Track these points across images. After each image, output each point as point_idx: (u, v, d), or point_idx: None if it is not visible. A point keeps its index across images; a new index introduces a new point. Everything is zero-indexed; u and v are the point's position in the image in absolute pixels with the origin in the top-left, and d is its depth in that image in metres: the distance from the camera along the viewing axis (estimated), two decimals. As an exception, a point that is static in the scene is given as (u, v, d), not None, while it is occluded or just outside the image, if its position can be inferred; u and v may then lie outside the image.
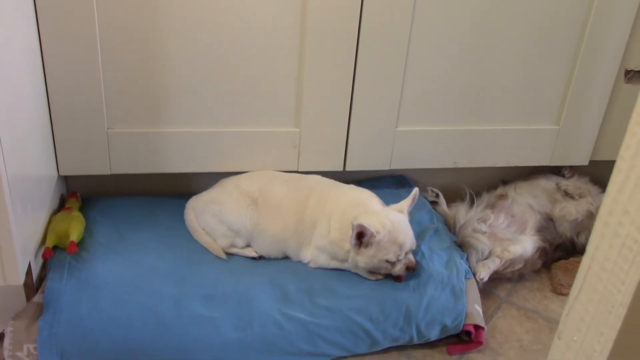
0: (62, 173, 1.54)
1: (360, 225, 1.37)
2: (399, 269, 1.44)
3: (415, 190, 1.52)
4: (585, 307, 0.46)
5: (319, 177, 1.61)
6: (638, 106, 0.43)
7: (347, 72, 1.55)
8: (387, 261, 1.42)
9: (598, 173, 1.96)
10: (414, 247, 1.47)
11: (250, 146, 1.61)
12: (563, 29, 1.62)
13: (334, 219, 1.47)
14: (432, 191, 1.83)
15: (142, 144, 1.55)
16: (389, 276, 1.48)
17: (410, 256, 1.46)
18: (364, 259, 1.42)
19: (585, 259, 0.48)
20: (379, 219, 1.42)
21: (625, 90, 1.76)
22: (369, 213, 1.45)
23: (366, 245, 1.41)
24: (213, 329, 1.35)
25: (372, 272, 1.47)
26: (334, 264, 1.50)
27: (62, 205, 1.59)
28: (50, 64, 1.40)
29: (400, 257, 1.43)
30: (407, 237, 1.44)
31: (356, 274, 1.50)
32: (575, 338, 0.46)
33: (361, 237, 1.39)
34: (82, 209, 1.60)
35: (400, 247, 1.42)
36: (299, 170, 1.66)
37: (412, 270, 1.46)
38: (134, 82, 1.47)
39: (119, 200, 1.66)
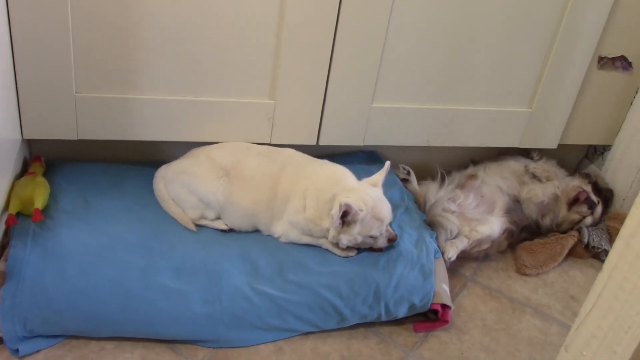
0: (27, 136, 1.48)
1: (347, 205, 1.36)
2: (381, 242, 1.46)
3: (387, 163, 1.52)
4: (598, 324, 0.45)
5: (292, 150, 1.59)
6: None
7: (325, 45, 1.52)
8: (371, 236, 1.42)
9: (565, 156, 2.00)
10: (392, 219, 1.48)
11: (223, 116, 1.57)
12: (541, 13, 1.62)
13: (309, 196, 1.46)
14: (404, 169, 1.83)
15: (111, 109, 1.50)
16: (361, 251, 1.49)
17: (390, 228, 1.47)
18: (347, 237, 1.42)
19: (602, 277, 0.48)
20: (360, 196, 1.41)
21: (597, 76, 1.78)
22: (347, 190, 1.44)
23: (349, 224, 1.40)
24: (181, 302, 1.34)
25: (344, 249, 1.47)
26: (305, 239, 1.50)
27: (25, 169, 1.54)
28: (17, 21, 1.33)
29: (382, 231, 1.44)
30: (387, 210, 1.45)
31: (327, 250, 1.49)
32: (584, 353, 0.46)
33: (345, 216, 1.39)
34: (46, 174, 1.54)
35: (382, 221, 1.43)
36: (272, 142, 1.63)
37: (394, 242, 1.47)
38: (105, 45, 1.41)
39: (85, 166, 1.61)
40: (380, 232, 1.43)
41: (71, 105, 1.46)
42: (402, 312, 1.45)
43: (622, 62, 1.77)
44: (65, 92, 1.44)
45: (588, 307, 0.48)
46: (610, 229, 1.84)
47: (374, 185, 1.48)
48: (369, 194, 1.43)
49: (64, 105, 1.46)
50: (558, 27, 1.65)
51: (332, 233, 1.43)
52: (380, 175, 1.50)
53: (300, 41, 1.50)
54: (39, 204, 1.38)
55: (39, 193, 1.40)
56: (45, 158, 1.59)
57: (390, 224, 1.49)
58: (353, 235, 1.41)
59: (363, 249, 1.49)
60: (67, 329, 1.31)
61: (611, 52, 1.75)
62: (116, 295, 1.31)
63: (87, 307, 1.30)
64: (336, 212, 1.38)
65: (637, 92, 1.84)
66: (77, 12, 1.35)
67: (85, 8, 1.35)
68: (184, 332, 1.35)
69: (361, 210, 1.39)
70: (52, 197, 1.47)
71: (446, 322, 1.48)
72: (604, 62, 1.76)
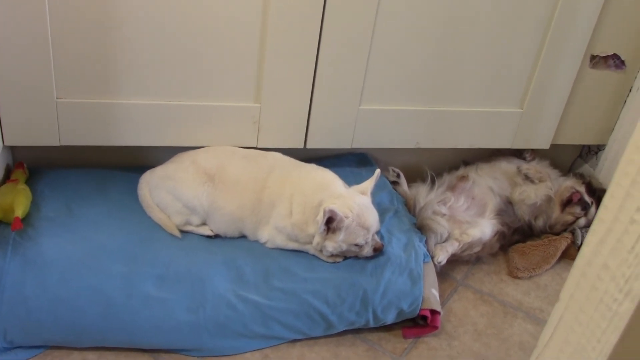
0: (7, 143, 1.46)
1: (332, 211, 1.34)
2: (366, 251, 1.43)
3: (377, 171, 1.50)
4: (556, 357, 0.43)
5: (279, 154, 1.57)
6: (626, 155, 0.39)
7: (310, 47, 1.50)
8: (356, 245, 1.40)
9: (558, 156, 1.97)
10: (379, 228, 1.46)
11: (208, 120, 1.55)
12: (531, 13, 1.59)
13: (296, 201, 1.43)
14: (393, 171, 1.80)
15: (93, 114, 1.47)
16: (347, 258, 1.47)
17: (376, 237, 1.45)
18: (332, 244, 1.40)
19: (559, 307, 0.46)
20: (346, 203, 1.39)
21: (590, 75, 1.75)
22: (334, 197, 1.41)
23: (334, 231, 1.38)
24: (164, 310, 1.32)
25: (332, 255, 1.45)
26: (292, 245, 1.47)
27: (7, 176, 1.51)
28: (-6, 27, 1.31)
29: (368, 240, 1.41)
30: (374, 219, 1.42)
31: (313, 256, 1.47)
32: (544, 387, 0.44)
33: (330, 222, 1.37)
34: (29, 181, 1.52)
35: (368, 230, 1.40)
36: (259, 146, 1.61)
37: (379, 251, 1.45)
38: (86, 49, 1.39)
39: (68, 173, 1.59)
40: (365, 240, 1.41)
41: (52, 111, 1.43)
42: (390, 318, 1.43)
43: (614, 61, 1.74)
44: (46, 97, 1.41)
45: (545, 338, 0.46)
46: (604, 230, 1.81)
47: (363, 192, 1.46)
48: (355, 202, 1.40)
49: (45, 111, 1.43)
50: (549, 25, 1.62)
51: (316, 239, 1.40)
52: (369, 183, 1.47)
53: (285, 43, 1.48)
54: (19, 212, 1.36)
55: (19, 201, 1.38)
56: (29, 164, 1.57)
57: (378, 233, 1.47)
58: (338, 243, 1.39)
59: (350, 255, 1.47)
60: (48, 340, 1.29)
61: (603, 50, 1.72)
62: (98, 304, 1.29)
63: (69, 317, 1.28)
64: (320, 217, 1.35)
65: (630, 90, 1.82)
66: (56, 15, 1.33)
67: (65, 12, 1.33)
68: (167, 341, 1.33)
69: (347, 217, 1.36)
70: (34, 204, 1.45)
71: (435, 327, 1.46)
72: (596, 60, 1.73)
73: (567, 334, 0.42)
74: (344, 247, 1.40)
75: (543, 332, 0.46)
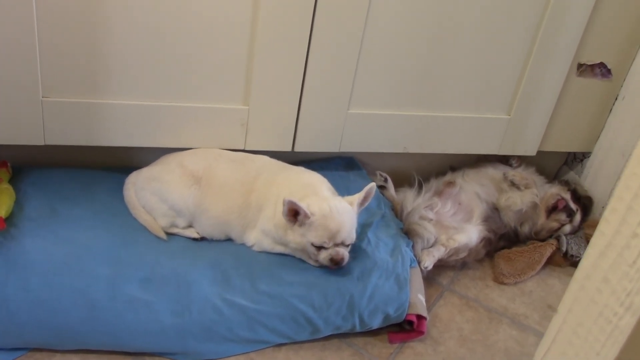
0: (-9, 142, 1.44)
1: (290, 202, 1.33)
2: (322, 258, 1.39)
3: (371, 185, 1.44)
4: (553, 370, 0.43)
5: (266, 158, 1.56)
6: (629, 168, 0.39)
7: (300, 51, 1.49)
8: (313, 245, 1.38)
9: (544, 163, 1.98)
10: (349, 242, 1.40)
11: (195, 122, 1.54)
12: (520, 20, 1.60)
13: (281, 202, 1.42)
14: (381, 175, 1.80)
15: (79, 114, 1.45)
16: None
17: (341, 249, 1.39)
18: (293, 237, 1.39)
19: (556, 320, 0.45)
20: (319, 202, 1.38)
21: (577, 83, 1.76)
22: (314, 196, 1.41)
23: (300, 224, 1.37)
24: (149, 313, 1.30)
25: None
26: (279, 248, 1.46)
27: (-10, 175, 1.49)
28: (-21, 24, 1.29)
29: (327, 245, 1.37)
30: (343, 228, 1.37)
31: (300, 260, 1.46)
32: (538, 402, 0.44)
33: (296, 214, 1.36)
34: (13, 180, 1.50)
35: (331, 235, 1.36)
36: (246, 149, 1.60)
37: (336, 264, 1.39)
38: (73, 48, 1.37)
39: (53, 172, 1.57)
40: (323, 244, 1.37)
41: (38, 110, 1.41)
42: (376, 323, 1.43)
43: (601, 70, 1.76)
44: (31, 96, 1.39)
45: (542, 351, 0.45)
46: (589, 237, 1.82)
47: (350, 203, 1.42)
48: (331, 204, 1.38)
49: (30, 110, 1.41)
50: (537, 33, 1.63)
51: (289, 235, 1.39)
52: (358, 196, 1.43)
53: (274, 46, 1.47)
54: (2, 212, 1.34)
55: (2, 201, 1.36)
56: (13, 163, 1.55)
57: (361, 240, 1.44)
58: (299, 236, 1.38)
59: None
60: (30, 342, 1.28)
61: (590, 59, 1.73)
62: (81, 306, 1.28)
63: (51, 319, 1.26)
64: (281, 206, 1.36)
65: (616, 99, 1.83)
66: (43, 12, 1.31)
67: (52, 10, 1.31)
68: (151, 344, 1.31)
69: (313, 214, 1.35)
70: (18, 204, 1.43)
71: (421, 333, 1.46)
72: (583, 69, 1.74)
73: (565, 347, 0.42)
74: (303, 242, 1.38)
75: (540, 344, 0.45)
